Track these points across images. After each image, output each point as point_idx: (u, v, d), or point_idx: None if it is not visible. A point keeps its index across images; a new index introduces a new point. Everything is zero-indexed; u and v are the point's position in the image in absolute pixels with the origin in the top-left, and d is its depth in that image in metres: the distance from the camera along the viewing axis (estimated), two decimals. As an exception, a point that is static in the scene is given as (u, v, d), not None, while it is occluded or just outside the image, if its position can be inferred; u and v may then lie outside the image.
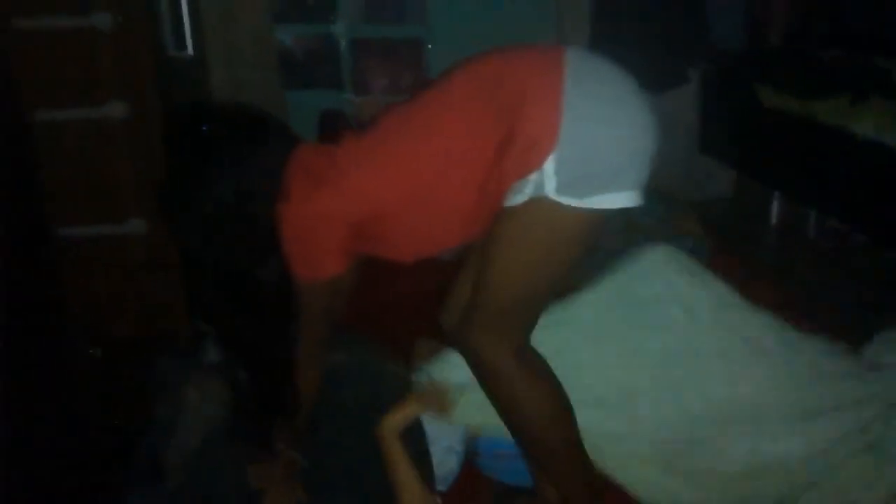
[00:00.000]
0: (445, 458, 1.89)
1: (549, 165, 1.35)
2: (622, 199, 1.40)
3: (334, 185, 1.44)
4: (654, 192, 1.52)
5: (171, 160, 1.62)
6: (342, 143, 1.49)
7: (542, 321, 1.56)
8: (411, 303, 2.48)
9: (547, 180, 1.36)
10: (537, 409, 1.53)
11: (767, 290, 2.65)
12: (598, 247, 1.73)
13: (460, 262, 1.72)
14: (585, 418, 1.60)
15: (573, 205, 1.37)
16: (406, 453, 1.66)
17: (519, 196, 1.39)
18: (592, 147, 1.37)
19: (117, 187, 2.35)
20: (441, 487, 1.87)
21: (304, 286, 1.51)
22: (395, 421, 1.66)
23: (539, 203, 1.37)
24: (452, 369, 1.72)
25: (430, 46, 3.47)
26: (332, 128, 3.19)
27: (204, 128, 1.54)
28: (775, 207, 3.13)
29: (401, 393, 1.86)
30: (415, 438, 1.79)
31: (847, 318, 2.33)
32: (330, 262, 1.47)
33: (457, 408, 1.73)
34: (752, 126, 3.07)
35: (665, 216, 2.89)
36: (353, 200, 1.44)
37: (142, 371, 2.14)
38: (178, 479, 1.78)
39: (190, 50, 2.84)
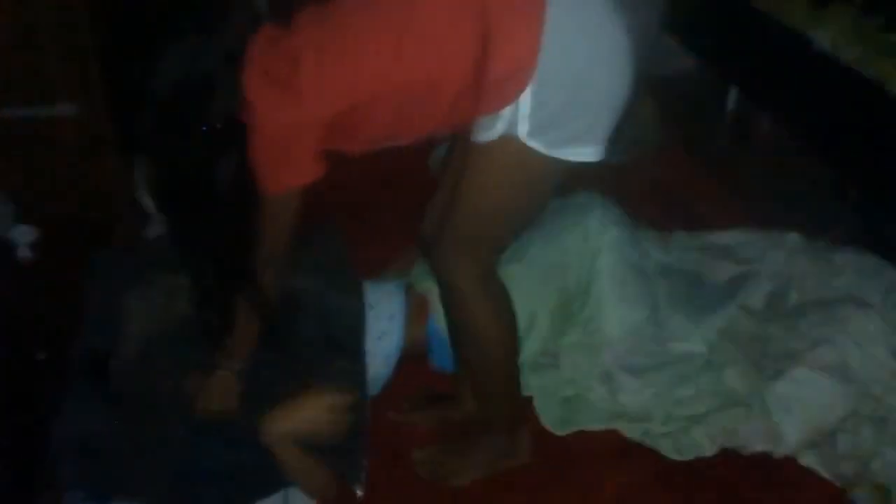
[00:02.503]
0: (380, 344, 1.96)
1: (525, 104, 1.35)
2: (589, 153, 1.42)
3: (300, 91, 1.36)
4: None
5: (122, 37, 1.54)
6: (300, 28, 1.40)
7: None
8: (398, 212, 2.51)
9: (520, 120, 1.36)
10: (487, 331, 1.62)
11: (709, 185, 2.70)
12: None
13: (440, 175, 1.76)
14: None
15: (541, 152, 1.38)
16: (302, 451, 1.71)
17: (489, 132, 1.39)
18: (570, 95, 1.36)
19: (46, 67, 2.24)
20: (374, 388, 1.94)
21: (272, 198, 1.47)
22: (283, 429, 1.69)
23: (509, 143, 1.38)
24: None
25: None
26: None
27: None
28: (731, 98, 3.08)
29: (353, 331, 1.92)
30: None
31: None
32: (304, 169, 1.42)
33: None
34: (715, 13, 2.97)
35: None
36: (322, 104, 1.38)
37: (75, 266, 2.14)
38: (119, 388, 1.82)
39: None
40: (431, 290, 1.92)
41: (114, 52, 2.30)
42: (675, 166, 2.82)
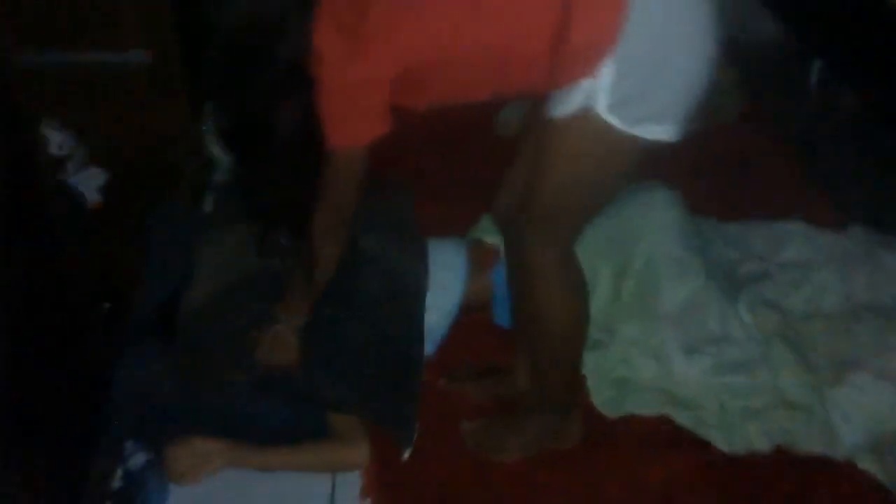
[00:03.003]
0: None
1: (605, 76, 1.31)
2: (667, 132, 1.38)
3: (367, 44, 1.32)
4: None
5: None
6: None
7: None
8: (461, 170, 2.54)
9: (600, 94, 1.32)
10: (559, 313, 1.60)
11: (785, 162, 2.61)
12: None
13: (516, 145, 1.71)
14: None
15: (620, 128, 1.34)
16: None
17: (566, 106, 1.36)
18: (653, 70, 1.32)
19: (119, 14, 2.25)
20: (429, 345, 1.96)
21: (339, 153, 1.44)
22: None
23: (587, 117, 1.34)
24: None
25: None
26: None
27: None
28: (815, 68, 2.95)
29: (415, 290, 1.95)
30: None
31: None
32: (372, 124, 1.39)
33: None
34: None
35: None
36: (388, 60, 1.34)
37: (142, 212, 2.18)
38: (182, 340, 1.85)
39: None
40: (500, 244, 1.94)
41: (186, -1, 2.30)
42: (752, 140, 2.73)
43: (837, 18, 2.71)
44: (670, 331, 1.96)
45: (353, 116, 1.39)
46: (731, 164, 2.59)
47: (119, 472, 1.73)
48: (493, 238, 2.06)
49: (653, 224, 2.05)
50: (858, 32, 2.58)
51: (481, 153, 2.72)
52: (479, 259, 2.07)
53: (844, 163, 2.59)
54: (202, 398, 1.79)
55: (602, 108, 1.33)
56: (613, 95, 1.32)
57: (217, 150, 2.49)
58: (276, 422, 1.79)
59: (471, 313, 2.06)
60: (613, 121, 1.34)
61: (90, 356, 1.75)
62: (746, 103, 2.85)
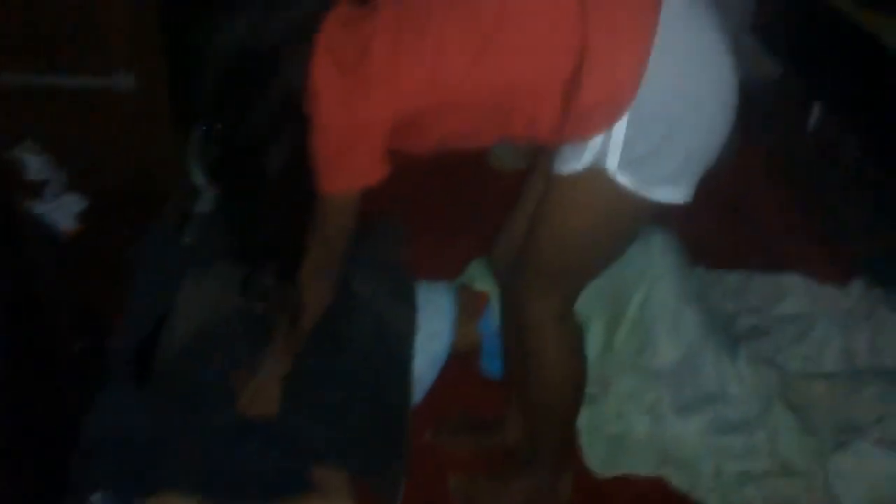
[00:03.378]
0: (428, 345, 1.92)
1: (618, 134, 1.23)
2: (680, 193, 1.31)
3: (369, 85, 1.24)
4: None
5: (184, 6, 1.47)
6: (377, 10, 1.26)
7: None
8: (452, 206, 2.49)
9: (611, 152, 1.25)
10: (557, 371, 1.53)
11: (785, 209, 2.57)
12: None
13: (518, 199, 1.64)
14: None
15: (630, 189, 1.27)
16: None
17: (574, 163, 1.28)
18: (670, 130, 1.24)
19: (104, 34, 2.17)
20: (417, 393, 1.89)
21: (331, 198, 1.36)
22: None
23: (595, 176, 1.27)
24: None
25: None
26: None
27: None
28: (815, 112, 2.91)
29: (403, 338, 1.87)
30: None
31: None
32: (369, 170, 1.31)
33: None
34: (806, 20, 2.79)
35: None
36: (390, 102, 1.26)
37: (121, 242, 2.09)
38: (160, 383, 1.77)
39: None
40: (491, 291, 1.90)
41: (176, 22, 2.22)
42: (748, 184, 2.68)
43: (837, 60, 2.67)
44: (665, 387, 1.89)
45: (349, 161, 1.30)
46: (727, 209, 2.53)
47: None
48: (483, 284, 2.00)
49: (649, 270, 1.98)
50: (858, 75, 2.55)
51: (474, 185, 2.67)
52: (468, 305, 2.00)
53: (844, 210, 2.55)
54: (178, 448, 1.70)
55: (612, 167, 1.26)
56: (625, 154, 1.24)
57: (201, 179, 2.41)
58: (256, 475, 1.70)
59: (457, 358, 1.99)
60: (624, 181, 1.27)
61: (59, 399, 1.66)
62: (741, 146, 2.80)
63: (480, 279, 2.01)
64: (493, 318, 1.92)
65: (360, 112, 1.25)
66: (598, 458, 1.84)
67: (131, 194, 2.30)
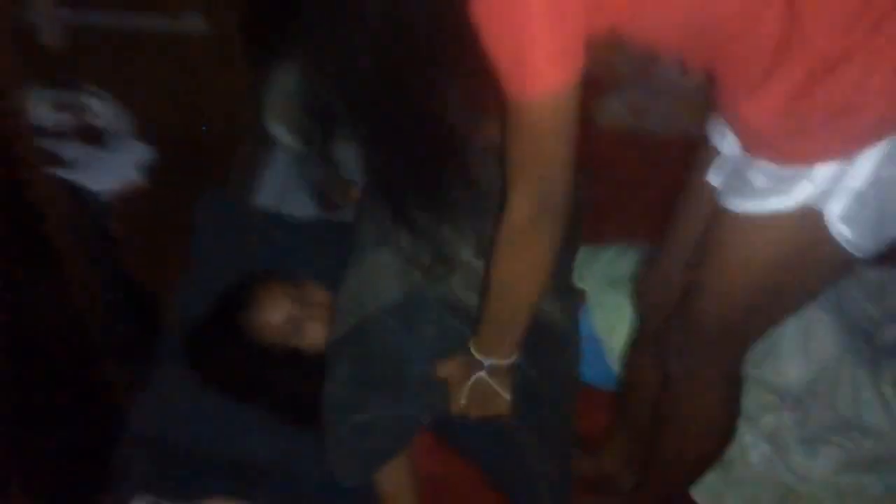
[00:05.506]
0: None
1: (861, 169, 0.92)
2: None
3: None
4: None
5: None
6: None
7: None
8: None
9: (838, 193, 0.94)
10: (711, 427, 1.32)
11: None
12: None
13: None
14: None
15: (847, 243, 0.97)
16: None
17: (776, 199, 0.97)
18: None
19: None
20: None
21: (539, 106, 0.93)
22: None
23: (805, 220, 0.96)
24: None
25: None
26: None
27: None
28: None
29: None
30: None
31: None
32: (565, 57, 0.91)
33: None
34: None
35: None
36: None
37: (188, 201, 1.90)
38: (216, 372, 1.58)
39: None
40: (590, 290, 1.69)
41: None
42: None
43: None
44: (790, 409, 1.61)
45: (554, 42, 0.89)
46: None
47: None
48: (583, 281, 1.73)
49: None
50: None
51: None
52: None
53: None
54: (234, 450, 1.53)
55: (832, 214, 0.95)
56: (861, 199, 0.93)
57: (280, 130, 2.21)
58: (311, 483, 1.52)
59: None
60: (844, 232, 0.96)
61: (101, 392, 1.50)
62: None
63: (581, 274, 1.72)
64: (588, 317, 1.66)
65: None
66: (703, 485, 1.59)
67: (199, 146, 2.11)
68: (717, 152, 1.16)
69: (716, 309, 1.14)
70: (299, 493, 1.52)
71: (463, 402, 1.26)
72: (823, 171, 0.94)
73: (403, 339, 1.36)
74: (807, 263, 1.04)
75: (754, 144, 1.01)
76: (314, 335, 1.54)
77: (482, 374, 1.22)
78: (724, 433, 1.35)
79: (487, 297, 1.16)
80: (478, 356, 1.22)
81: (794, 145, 0.95)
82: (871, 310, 1.82)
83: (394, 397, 1.35)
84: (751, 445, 1.62)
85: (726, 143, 1.13)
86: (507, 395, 1.26)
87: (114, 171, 1.98)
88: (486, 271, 1.17)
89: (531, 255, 1.07)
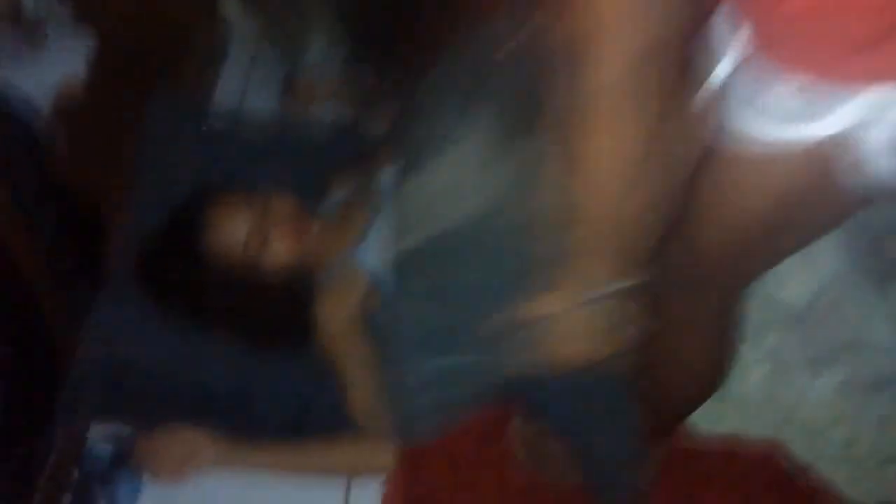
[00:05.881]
0: None
1: None
2: None
3: None
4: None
5: None
6: None
7: None
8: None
9: (881, 124, 0.78)
10: (699, 379, 1.26)
11: None
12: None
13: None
14: None
15: (880, 174, 0.83)
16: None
17: (811, 124, 0.80)
18: None
19: None
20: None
21: None
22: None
23: (840, 151, 0.81)
24: None
25: None
26: None
27: None
28: None
29: None
30: None
31: None
32: None
33: None
34: None
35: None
36: None
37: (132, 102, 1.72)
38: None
39: None
40: None
41: None
42: None
43: None
44: (791, 328, 1.52)
45: None
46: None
47: (82, 460, 1.38)
48: None
49: None
50: None
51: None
52: None
53: None
54: (200, 373, 1.41)
55: (874, 145, 0.79)
56: None
57: (236, 11, 2.01)
58: (284, 409, 1.41)
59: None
60: (881, 167, 0.80)
61: (50, 318, 1.36)
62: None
63: None
64: None
65: None
66: (700, 411, 1.50)
67: (148, 39, 1.90)
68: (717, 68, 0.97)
69: (717, 243, 1.00)
70: (263, 424, 1.41)
71: (571, 341, 1.02)
72: (873, 97, 0.77)
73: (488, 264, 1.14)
74: (828, 198, 0.89)
75: (792, 57, 0.83)
76: (280, 252, 1.40)
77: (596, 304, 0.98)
78: (721, 366, 1.26)
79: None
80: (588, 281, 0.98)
81: (847, 61, 0.77)
82: (878, 222, 1.71)
83: (481, 340, 1.12)
84: (751, 369, 1.53)
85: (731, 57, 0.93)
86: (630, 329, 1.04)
87: (48, 69, 1.76)
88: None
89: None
